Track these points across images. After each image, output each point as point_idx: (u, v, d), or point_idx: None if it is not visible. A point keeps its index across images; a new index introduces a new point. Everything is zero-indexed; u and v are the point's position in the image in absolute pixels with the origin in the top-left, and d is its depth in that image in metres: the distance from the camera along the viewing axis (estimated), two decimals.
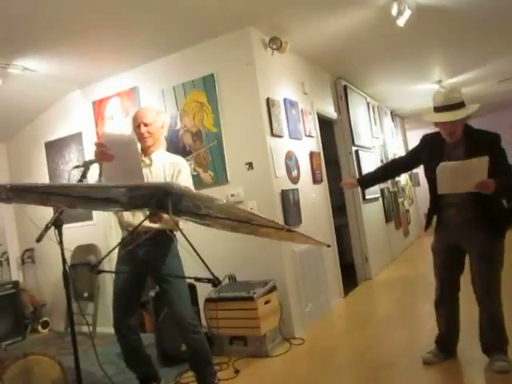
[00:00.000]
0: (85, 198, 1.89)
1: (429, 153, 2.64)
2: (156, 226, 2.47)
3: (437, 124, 2.54)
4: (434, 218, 2.72)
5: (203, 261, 1.74)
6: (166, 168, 2.56)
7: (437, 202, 2.62)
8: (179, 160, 2.67)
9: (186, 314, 2.55)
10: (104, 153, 2.15)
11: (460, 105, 2.45)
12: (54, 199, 1.87)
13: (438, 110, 2.50)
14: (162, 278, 2.55)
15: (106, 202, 1.96)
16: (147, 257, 2.51)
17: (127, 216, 2.54)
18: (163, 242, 2.55)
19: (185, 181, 2.55)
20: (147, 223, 2.46)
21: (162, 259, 2.54)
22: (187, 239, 1.83)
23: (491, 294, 2.47)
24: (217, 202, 1.69)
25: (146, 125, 2.55)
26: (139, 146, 2.51)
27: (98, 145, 2.19)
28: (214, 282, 1.79)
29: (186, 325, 2.54)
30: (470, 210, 2.48)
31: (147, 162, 2.56)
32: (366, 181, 3.13)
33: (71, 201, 1.93)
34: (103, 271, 2.46)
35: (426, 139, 2.75)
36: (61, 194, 1.82)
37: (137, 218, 2.50)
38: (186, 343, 2.60)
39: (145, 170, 2.48)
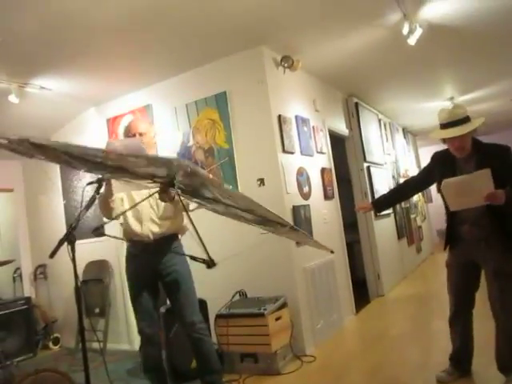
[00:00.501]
0: (101, 164, 1.88)
1: (441, 170, 2.64)
2: (169, 231, 2.55)
3: (444, 140, 2.55)
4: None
5: (201, 240, 1.72)
6: None
7: (452, 218, 2.60)
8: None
9: (195, 319, 2.58)
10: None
11: (465, 120, 2.47)
12: (74, 163, 1.87)
13: (443, 126, 2.51)
14: (172, 284, 2.57)
15: (122, 171, 1.95)
16: (160, 264, 2.54)
17: (135, 225, 2.56)
18: (176, 246, 2.62)
19: None
20: (158, 229, 2.49)
21: (175, 265, 2.58)
22: (191, 221, 1.85)
23: (508, 311, 2.43)
24: (223, 186, 1.70)
25: (141, 134, 2.63)
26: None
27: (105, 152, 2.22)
28: (209, 263, 1.78)
29: (195, 329, 2.56)
30: (484, 225, 2.45)
31: None
32: (380, 204, 3.11)
33: (88, 166, 1.98)
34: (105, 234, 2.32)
35: (436, 157, 2.75)
36: (80, 158, 1.81)
37: (145, 227, 2.54)
38: (195, 348, 2.60)
39: None
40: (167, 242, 2.59)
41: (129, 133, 2.68)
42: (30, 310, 4.82)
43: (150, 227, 2.55)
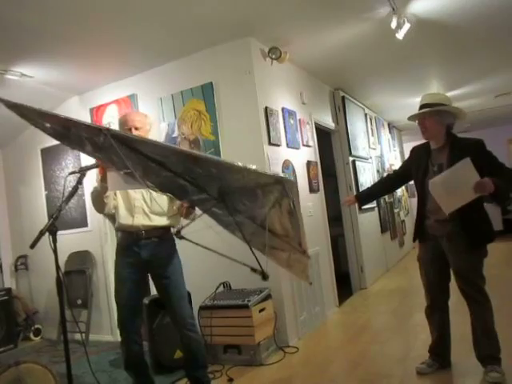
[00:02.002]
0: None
1: (416, 161, 2.71)
2: (161, 223, 2.53)
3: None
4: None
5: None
6: None
7: (420, 212, 2.66)
8: None
9: (185, 313, 2.57)
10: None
11: (434, 105, 2.54)
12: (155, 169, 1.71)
13: (419, 109, 2.61)
14: (163, 277, 2.54)
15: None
16: (151, 257, 2.51)
17: (126, 218, 2.53)
18: (167, 240, 2.58)
19: None
20: (149, 222, 2.47)
21: (167, 258, 2.55)
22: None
23: (479, 303, 2.50)
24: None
25: (136, 128, 2.56)
26: None
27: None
28: (264, 275, 1.82)
29: (185, 324, 2.55)
30: (448, 222, 2.49)
31: None
32: (363, 197, 3.15)
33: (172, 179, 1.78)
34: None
35: (414, 150, 2.82)
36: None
37: (136, 220, 2.51)
38: (184, 343, 2.59)
39: None
40: (159, 235, 2.55)
41: (124, 126, 2.58)
42: (11, 301, 4.74)
43: (141, 220, 2.52)
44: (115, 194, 2.56)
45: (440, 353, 2.72)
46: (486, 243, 2.51)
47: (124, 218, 2.54)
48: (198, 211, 2.29)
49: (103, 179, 2.32)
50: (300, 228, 1.72)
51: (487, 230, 2.52)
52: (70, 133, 1.71)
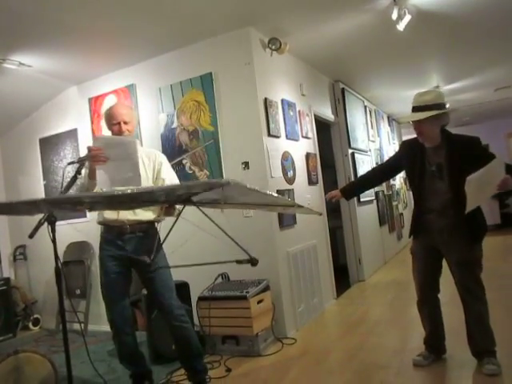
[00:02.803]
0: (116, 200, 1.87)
1: (409, 159, 2.66)
2: (146, 218, 2.53)
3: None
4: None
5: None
6: (145, 162, 2.59)
7: (419, 207, 2.65)
8: (156, 152, 2.72)
9: (174, 305, 2.58)
10: (98, 156, 2.17)
11: (429, 107, 2.46)
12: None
13: (412, 110, 2.56)
14: (148, 271, 2.52)
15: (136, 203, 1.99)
16: (135, 251, 2.50)
17: (111, 213, 2.51)
18: (152, 234, 2.57)
19: (168, 171, 2.64)
20: (134, 217, 2.48)
21: (151, 251, 2.52)
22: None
23: (475, 296, 2.51)
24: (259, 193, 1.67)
25: (125, 123, 2.54)
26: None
27: (91, 148, 2.21)
28: (252, 261, 1.86)
29: (175, 316, 2.56)
30: (450, 215, 2.49)
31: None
32: (349, 191, 3.06)
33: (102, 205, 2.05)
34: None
35: (405, 145, 2.80)
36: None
37: (121, 215, 2.50)
38: (174, 333, 2.60)
39: None
40: (143, 229, 2.55)
41: (112, 120, 2.54)
42: (10, 291, 4.74)
43: (126, 215, 2.50)
44: (101, 189, 2.55)
45: (434, 345, 2.74)
46: (484, 235, 2.52)
47: (109, 213, 2.51)
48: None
49: (92, 176, 2.30)
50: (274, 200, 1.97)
51: (484, 223, 2.55)
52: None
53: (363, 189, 3.24)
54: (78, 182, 2.48)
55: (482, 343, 2.51)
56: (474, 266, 2.50)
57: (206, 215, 1.91)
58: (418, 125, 2.51)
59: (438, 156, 2.52)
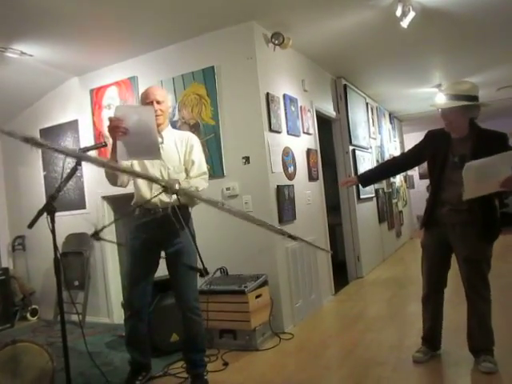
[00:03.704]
0: None
1: (433, 148, 2.62)
2: (174, 201, 2.46)
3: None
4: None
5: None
6: (178, 144, 2.59)
7: (434, 199, 2.62)
8: (190, 135, 2.70)
9: (191, 295, 2.58)
10: (119, 127, 2.16)
11: (460, 97, 2.44)
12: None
13: (446, 98, 2.52)
14: (175, 257, 2.51)
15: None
16: (165, 235, 2.49)
17: (144, 191, 2.52)
18: (184, 218, 2.47)
19: (198, 156, 2.62)
20: (167, 199, 2.43)
21: (180, 237, 2.51)
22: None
23: (480, 294, 2.51)
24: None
25: (158, 102, 2.54)
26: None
27: (113, 119, 2.19)
28: (202, 272, 1.85)
29: (190, 306, 2.56)
30: (465, 211, 2.47)
31: (159, 139, 2.52)
32: (367, 177, 3.05)
33: None
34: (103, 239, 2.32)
35: (430, 134, 2.72)
36: None
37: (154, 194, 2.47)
38: (186, 325, 2.59)
39: None
40: (176, 213, 2.48)
41: (146, 100, 2.55)
42: (8, 281, 4.75)
43: (159, 196, 2.44)
44: (132, 165, 2.53)
45: (432, 340, 2.76)
46: (498, 235, 2.49)
47: (142, 191, 2.52)
48: None
49: (114, 151, 2.28)
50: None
51: (499, 224, 2.51)
52: None
53: (382, 177, 3.18)
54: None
55: (481, 342, 2.52)
56: (483, 263, 2.49)
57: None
58: (448, 113, 2.49)
59: (463, 147, 2.48)
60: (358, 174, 2.97)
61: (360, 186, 3.06)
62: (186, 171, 2.61)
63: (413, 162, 2.93)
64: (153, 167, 2.53)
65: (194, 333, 2.60)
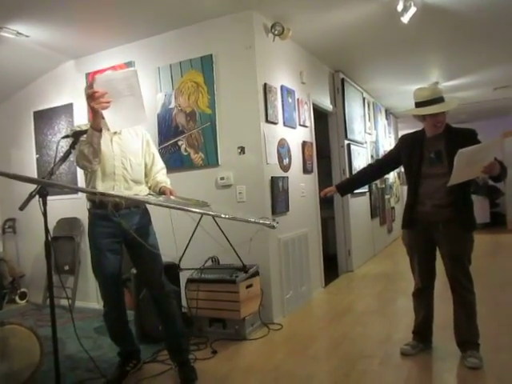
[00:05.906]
0: None
1: (409, 149, 2.73)
2: (140, 193, 2.54)
3: (424, 117, 2.61)
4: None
5: None
6: (133, 136, 2.60)
7: (414, 197, 2.68)
8: (143, 130, 2.70)
9: (161, 280, 2.60)
10: (100, 99, 2.12)
11: (443, 98, 2.60)
12: None
13: (425, 104, 2.57)
14: (139, 246, 2.48)
15: None
16: (130, 226, 2.47)
17: (105, 188, 2.46)
18: (145, 212, 2.62)
19: (155, 149, 2.74)
20: (129, 192, 2.49)
21: (145, 228, 2.58)
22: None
23: (463, 287, 2.57)
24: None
25: None
26: None
27: (93, 92, 2.12)
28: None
29: (165, 291, 2.60)
30: (449, 207, 2.55)
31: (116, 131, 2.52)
32: (344, 187, 3.12)
33: None
34: None
35: (404, 139, 2.85)
36: None
37: (117, 188, 2.47)
38: (162, 309, 2.60)
39: (114, 139, 2.50)
40: (136, 205, 2.54)
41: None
42: None
43: (121, 189, 2.47)
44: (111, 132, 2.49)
45: (423, 334, 2.80)
46: (474, 228, 2.61)
47: (104, 188, 2.45)
48: None
49: (97, 125, 2.22)
50: None
51: (474, 218, 2.63)
52: None
53: (359, 185, 3.34)
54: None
55: (467, 333, 2.57)
56: (464, 259, 2.57)
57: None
58: (443, 114, 2.58)
59: (438, 144, 2.60)
60: (336, 184, 3.09)
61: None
62: (145, 163, 2.64)
63: (389, 166, 3.07)
64: (114, 159, 2.47)
65: (173, 316, 2.61)
